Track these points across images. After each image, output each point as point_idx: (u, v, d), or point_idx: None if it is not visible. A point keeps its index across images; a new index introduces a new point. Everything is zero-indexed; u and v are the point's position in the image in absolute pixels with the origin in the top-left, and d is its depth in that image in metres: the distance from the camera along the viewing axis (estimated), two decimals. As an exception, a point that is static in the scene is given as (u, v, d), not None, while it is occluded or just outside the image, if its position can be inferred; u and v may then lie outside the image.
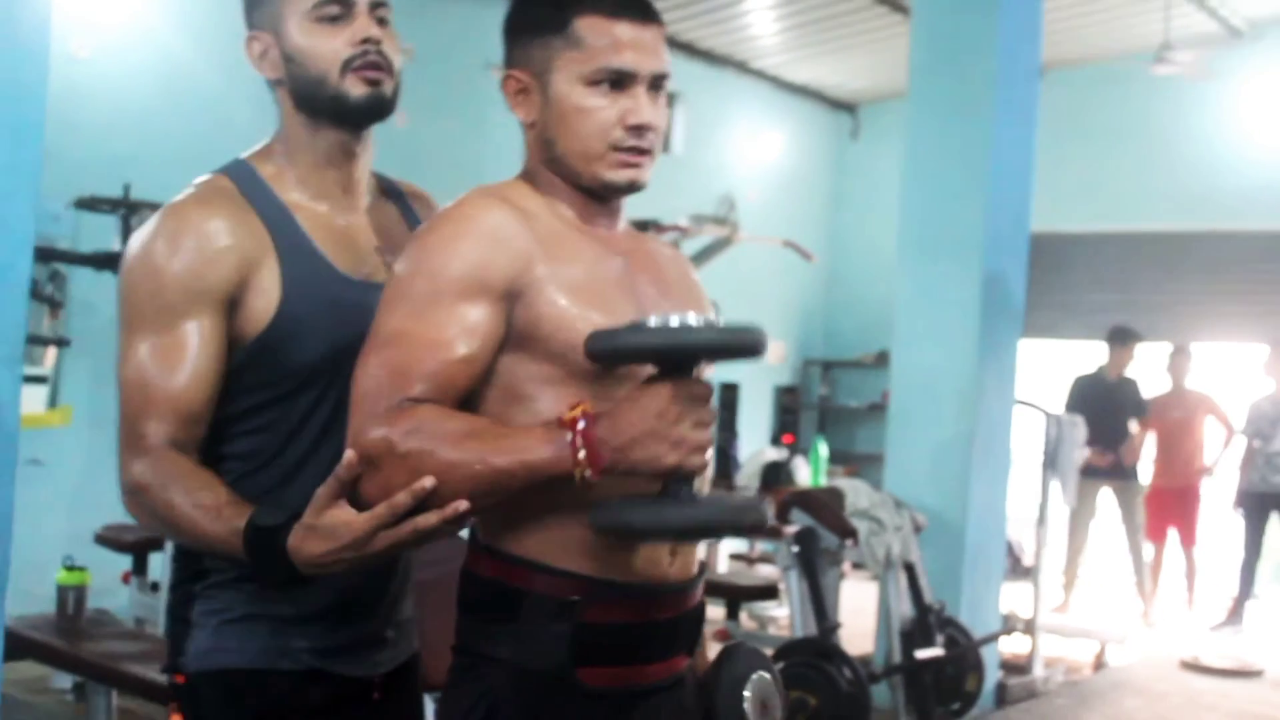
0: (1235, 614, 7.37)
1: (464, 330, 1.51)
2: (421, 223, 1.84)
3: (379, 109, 1.71)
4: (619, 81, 1.60)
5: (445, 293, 1.51)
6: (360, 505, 1.46)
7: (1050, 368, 9.23)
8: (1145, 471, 7.67)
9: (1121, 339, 7.49)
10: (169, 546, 1.82)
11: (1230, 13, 8.25)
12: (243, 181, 1.70)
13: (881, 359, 9.84)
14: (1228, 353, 8.88)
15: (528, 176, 1.68)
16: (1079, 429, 5.82)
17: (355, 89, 1.68)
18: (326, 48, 1.68)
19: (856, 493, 4.74)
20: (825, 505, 4.63)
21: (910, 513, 4.83)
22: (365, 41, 1.68)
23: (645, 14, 1.63)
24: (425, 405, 1.48)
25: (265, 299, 1.64)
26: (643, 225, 6.51)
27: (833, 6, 8.21)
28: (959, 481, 5.22)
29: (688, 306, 1.70)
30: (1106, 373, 7.52)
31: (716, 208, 7.63)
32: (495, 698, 1.56)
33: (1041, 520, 5.85)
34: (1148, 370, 7.78)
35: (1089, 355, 8.35)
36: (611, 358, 1.50)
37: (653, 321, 1.42)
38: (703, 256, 7.57)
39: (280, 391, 1.67)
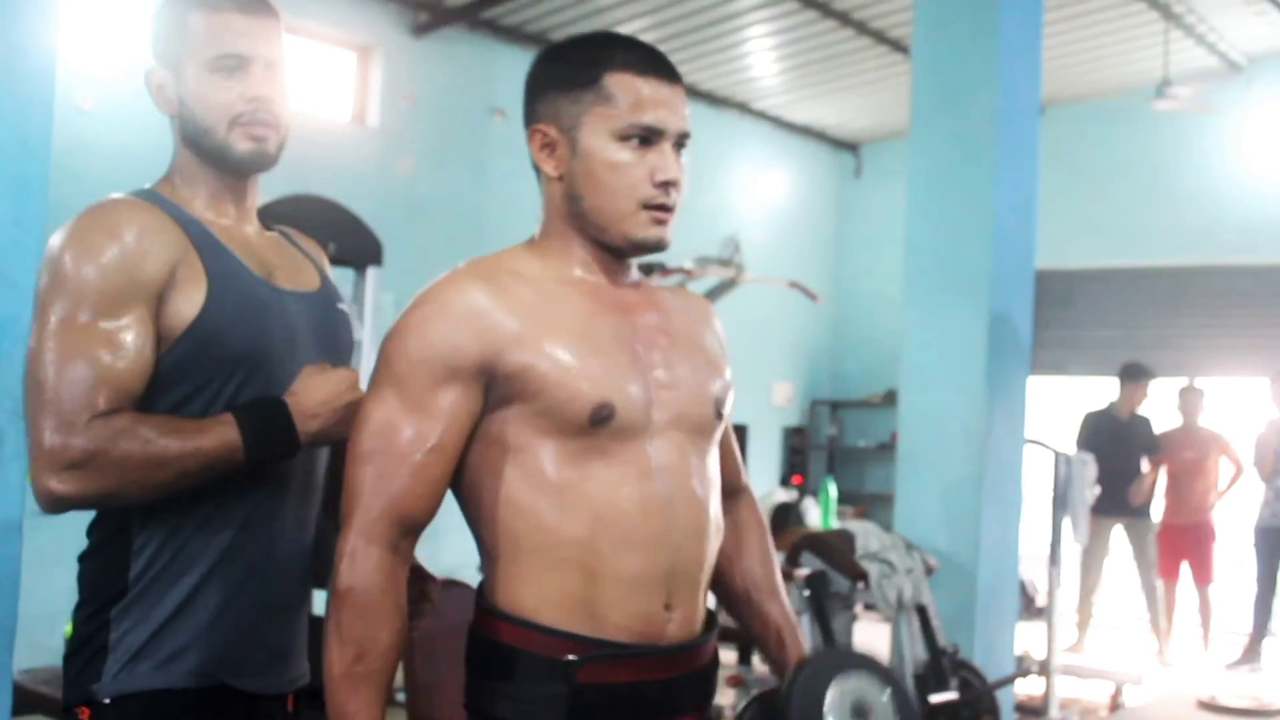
0: (1251, 651, 7.29)
1: (432, 418, 1.56)
2: (305, 249, 1.96)
3: (260, 164, 1.79)
4: (648, 138, 1.61)
5: (415, 382, 1.55)
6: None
7: (1053, 405, 9.20)
8: (1157, 509, 7.61)
9: (1134, 376, 7.45)
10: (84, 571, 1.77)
11: (1229, 47, 8.27)
12: (153, 198, 1.76)
13: (889, 398, 9.81)
14: (1232, 387, 8.84)
15: (538, 239, 1.70)
16: (1089, 467, 5.78)
17: (240, 144, 1.76)
18: (218, 99, 1.75)
19: (867, 535, 4.69)
20: (835, 548, 4.59)
21: (921, 555, 4.79)
22: (255, 100, 1.75)
23: (672, 74, 1.66)
24: (385, 556, 1.56)
25: (191, 295, 1.68)
26: (647, 269, 6.53)
27: (833, 47, 8.25)
28: (970, 522, 5.17)
29: (694, 360, 1.71)
30: (1118, 410, 7.47)
31: (721, 249, 7.63)
32: None
33: (1054, 559, 5.80)
34: (1158, 407, 7.74)
35: (1093, 392, 8.32)
36: None
37: None
38: (709, 299, 7.56)
39: (205, 383, 1.70)
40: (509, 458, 1.57)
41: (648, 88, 1.61)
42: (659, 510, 1.60)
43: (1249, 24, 7.90)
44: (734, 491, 1.88)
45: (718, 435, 1.73)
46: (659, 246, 1.65)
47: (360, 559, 1.52)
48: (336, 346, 1.86)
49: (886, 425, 9.88)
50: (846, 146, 10.55)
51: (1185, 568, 7.61)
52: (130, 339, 1.62)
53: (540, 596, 1.56)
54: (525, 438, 1.57)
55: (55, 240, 1.66)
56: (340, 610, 1.52)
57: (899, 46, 8.15)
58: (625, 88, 1.61)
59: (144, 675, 1.67)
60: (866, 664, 1.68)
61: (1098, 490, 6.39)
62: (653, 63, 1.63)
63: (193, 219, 1.74)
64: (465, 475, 1.60)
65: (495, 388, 1.56)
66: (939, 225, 5.36)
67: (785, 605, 1.87)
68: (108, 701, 1.66)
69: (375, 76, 7.39)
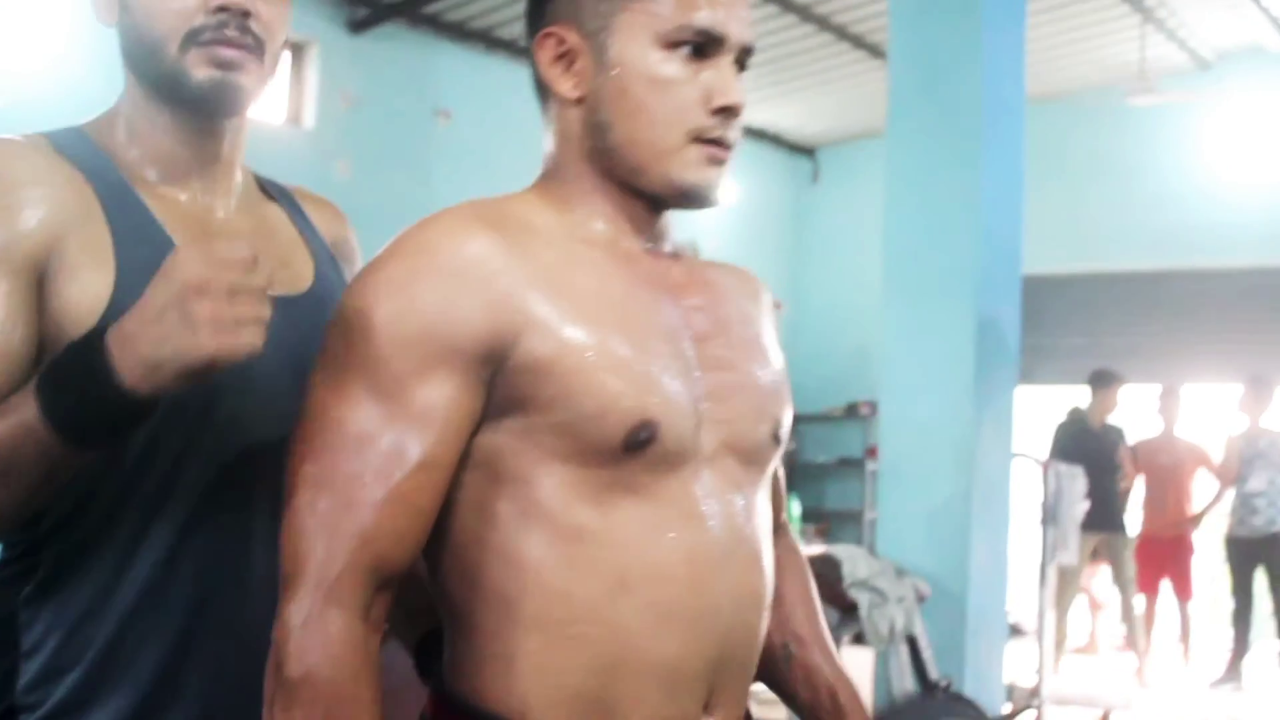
0: (1233, 669, 7.01)
1: (418, 421, 1.09)
2: (316, 229, 1.41)
3: (227, 101, 1.24)
4: (703, 48, 1.19)
5: (394, 364, 1.09)
6: None
7: (1022, 414, 8.90)
8: (1134, 521, 7.34)
9: (1104, 382, 7.17)
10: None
11: (1199, 44, 8.04)
12: (68, 144, 1.24)
13: (851, 411, 9.50)
14: (1206, 393, 8.59)
15: (548, 181, 1.25)
16: (1079, 481, 5.47)
17: (197, 70, 1.22)
18: (170, 6, 1.22)
19: (854, 561, 4.33)
20: (821, 576, 4.22)
21: (912, 581, 4.43)
22: (223, 10, 1.22)
23: None
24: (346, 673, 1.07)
25: (89, 285, 1.16)
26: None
27: (791, 45, 7.91)
28: (959, 544, 4.83)
29: (749, 357, 1.27)
30: (1090, 419, 7.19)
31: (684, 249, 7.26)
32: None
33: (1042, 580, 5.48)
34: (1132, 414, 7.47)
35: (1061, 400, 8.05)
36: None
37: None
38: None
39: None
40: (503, 489, 1.13)
41: None
42: (710, 571, 1.17)
43: (1220, 19, 7.66)
44: (774, 531, 1.39)
45: (774, 465, 1.30)
46: (710, 197, 1.22)
47: (317, 631, 1.05)
48: None
49: (848, 439, 9.56)
50: (803, 150, 10.22)
51: (1165, 583, 7.34)
52: None
53: (536, 689, 1.12)
54: (528, 463, 1.12)
55: None
56: (291, 710, 1.05)
57: (861, 43, 7.84)
58: None
59: None
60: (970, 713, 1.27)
61: (1087, 505, 6.08)
62: None
63: (118, 179, 1.23)
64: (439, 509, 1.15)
65: (498, 387, 1.12)
66: (921, 226, 5.04)
67: (838, 663, 1.42)
68: None
69: (311, 75, 6.96)
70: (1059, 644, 7.16)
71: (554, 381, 1.11)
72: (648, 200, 1.22)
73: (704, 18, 1.18)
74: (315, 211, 1.45)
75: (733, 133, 1.21)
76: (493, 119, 7.48)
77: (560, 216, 1.21)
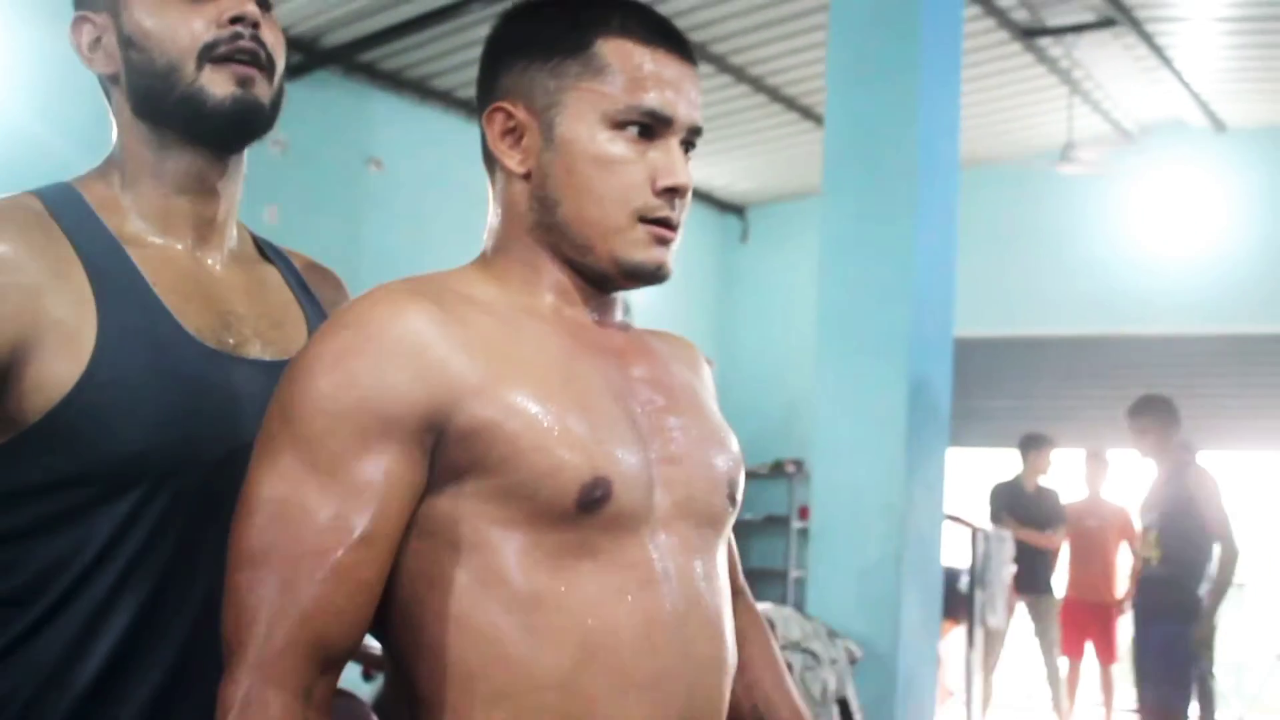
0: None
1: (355, 497, 1.06)
2: (314, 294, 1.37)
3: (250, 119, 1.23)
4: (651, 129, 1.19)
5: (330, 440, 1.06)
6: None
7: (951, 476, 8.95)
8: (1059, 583, 7.37)
9: (1035, 445, 7.24)
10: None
11: (1123, 115, 8.21)
12: (58, 205, 1.19)
13: (778, 469, 9.49)
14: (1129, 458, 8.68)
15: (491, 255, 1.23)
16: (1007, 544, 5.49)
17: (217, 87, 1.21)
18: (182, 30, 1.20)
19: (787, 623, 4.28)
20: (753, 637, 4.17)
21: (845, 643, 4.39)
22: (237, 21, 1.21)
23: (684, 48, 1.22)
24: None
25: (66, 359, 1.12)
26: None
27: (724, 105, 7.95)
28: (889, 605, 4.81)
29: (698, 421, 1.25)
30: (1023, 482, 7.24)
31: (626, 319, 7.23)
32: None
33: (971, 643, 5.47)
34: (1062, 478, 7.53)
35: (990, 464, 8.10)
36: None
37: None
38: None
39: (77, 500, 1.13)
40: (458, 558, 1.10)
41: (654, 61, 1.19)
42: (670, 634, 1.15)
43: (1143, 93, 7.83)
44: (733, 594, 1.38)
45: (729, 527, 1.28)
46: (658, 275, 1.21)
47: (257, 713, 1.02)
48: None
49: (774, 497, 9.54)
50: (733, 209, 10.27)
51: (1089, 647, 7.36)
52: None
53: None
54: (482, 529, 1.10)
55: None
56: None
57: (794, 105, 7.90)
58: (624, 57, 1.19)
59: None
60: None
61: (1014, 569, 6.10)
62: (661, 30, 1.21)
63: (108, 239, 1.19)
64: (391, 582, 1.12)
65: (443, 454, 1.10)
66: (854, 286, 5.04)
67: None
68: None
69: (242, 120, 6.86)
70: (985, 702, 7.15)
71: (501, 443, 1.09)
72: (595, 278, 1.21)
73: (653, 99, 1.18)
74: (314, 278, 1.41)
75: (678, 213, 1.21)
76: (425, 169, 7.43)
77: (502, 289, 1.20)
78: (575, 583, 1.11)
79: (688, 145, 1.23)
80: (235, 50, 1.21)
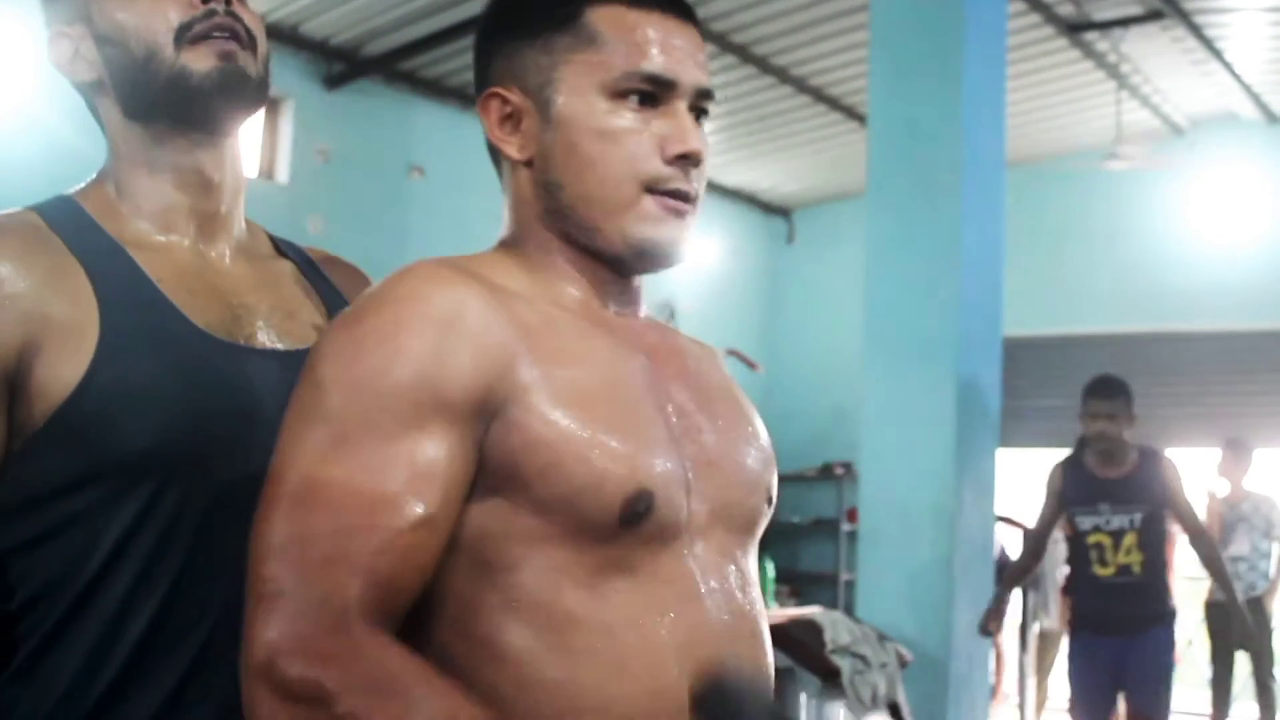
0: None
1: (417, 476, 0.98)
2: (338, 289, 1.33)
3: (237, 88, 1.21)
4: (654, 94, 1.11)
5: (383, 416, 0.99)
6: None
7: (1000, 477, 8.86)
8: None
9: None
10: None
11: (1172, 109, 8.09)
12: (56, 217, 1.19)
13: (826, 472, 9.42)
14: (1183, 457, 8.56)
15: (511, 245, 1.17)
16: (1059, 545, 5.41)
17: (200, 63, 1.19)
18: (155, 16, 1.20)
19: (836, 626, 4.24)
20: (802, 642, 4.13)
21: (895, 647, 4.35)
22: (209, 0, 1.20)
23: (679, 6, 1.15)
24: (383, 642, 0.95)
25: (69, 361, 1.11)
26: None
27: (765, 108, 7.92)
28: (940, 608, 4.76)
29: (730, 421, 1.19)
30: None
31: (656, 315, 7.22)
32: None
33: (1024, 646, 5.41)
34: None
35: (1035, 465, 7.98)
36: None
37: None
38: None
39: (86, 502, 1.11)
40: (488, 576, 1.03)
41: (649, 23, 1.12)
42: (713, 651, 1.09)
43: (1194, 86, 7.72)
44: None
45: (761, 529, 1.22)
46: (671, 254, 1.13)
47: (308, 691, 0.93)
48: None
49: (822, 500, 9.48)
50: (779, 211, 10.22)
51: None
52: None
53: None
54: (515, 547, 1.03)
55: None
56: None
57: (838, 105, 7.85)
58: (616, 23, 1.11)
59: None
60: None
61: (1067, 570, 6.01)
62: None
63: (110, 244, 1.18)
64: (416, 604, 1.04)
65: (485, 455, 1.03)
66: (900, 287, 5.00)
67: None
68: None
69: (285, 130, 6.89)
70: (1039, 705, 7.07)
71: (544, 450, 1.02)
72: (608, 263, 1.15)
73: (652, 63, 1.11)
74: (339, 274, 1.38)
75: (694, 184, 1.13)
76: (467, 176, 7.43)
77: (531, 278, 1.14)
78: (613, 601, 1.04)
79: (699, 112, 1.15)
80: (212, 27, 1.20)
